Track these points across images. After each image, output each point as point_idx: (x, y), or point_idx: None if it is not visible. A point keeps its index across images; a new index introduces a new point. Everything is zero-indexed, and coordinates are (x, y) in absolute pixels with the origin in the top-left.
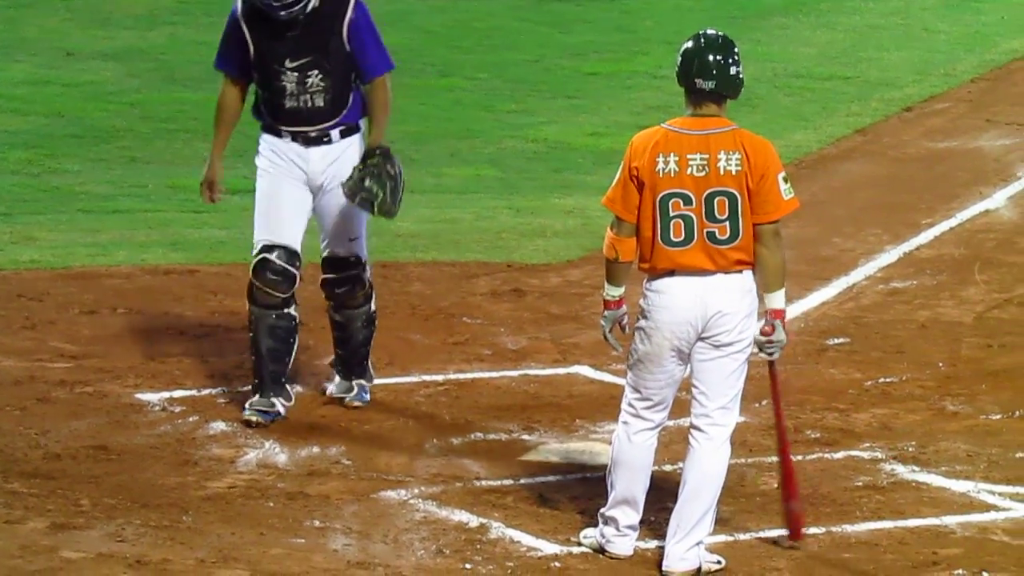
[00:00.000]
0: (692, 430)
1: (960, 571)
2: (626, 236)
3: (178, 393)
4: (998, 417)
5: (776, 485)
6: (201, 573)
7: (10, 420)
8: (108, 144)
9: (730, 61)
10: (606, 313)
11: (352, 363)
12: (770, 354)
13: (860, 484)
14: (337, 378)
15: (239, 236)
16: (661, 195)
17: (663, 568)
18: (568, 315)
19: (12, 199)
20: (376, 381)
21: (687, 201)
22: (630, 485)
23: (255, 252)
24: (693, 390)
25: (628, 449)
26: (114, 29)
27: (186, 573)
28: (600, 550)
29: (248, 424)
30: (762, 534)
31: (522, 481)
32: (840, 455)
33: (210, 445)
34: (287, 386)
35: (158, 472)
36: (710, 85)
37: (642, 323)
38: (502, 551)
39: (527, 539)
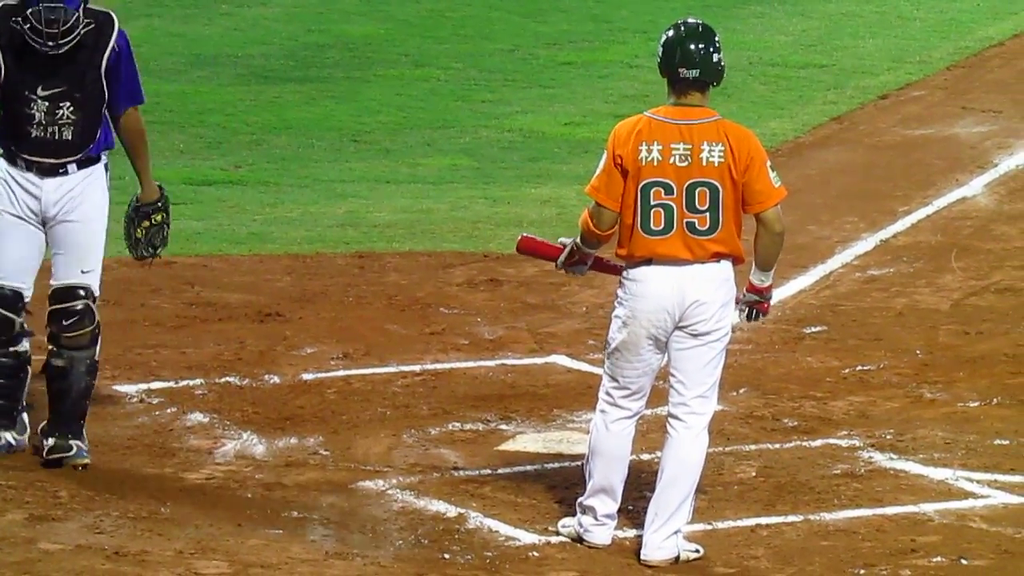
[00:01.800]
0: (670, 419)
1: (938, 558)
2: (606, 228)
3: (155, 384)
4: (975, 404)
5: (754, 474)
6: (180, 564)
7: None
8: None
9: (712, 49)
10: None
11: (71, 419)
12: (751, 320)
13: (838, 472)
14: (51, 440)
15: (215, 227)
16: (643, 183)
17: (641, 557)
18: (545, 304)
19: None
20: (353, 371)
21: (668, 190)
22: (608, 474)
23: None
24: (671, 379)
25: (606, 438)
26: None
27: (164, 564)
28: (578, 539)
29: None
30: (740, 523)
31: (500, 471)
32: (818, 443)
33: (188, 436)
34: (20, 417)
35: (136, 463)
36: (694, 73)
37: (619, 311)
38: (480, 541)
39: (505, 529)
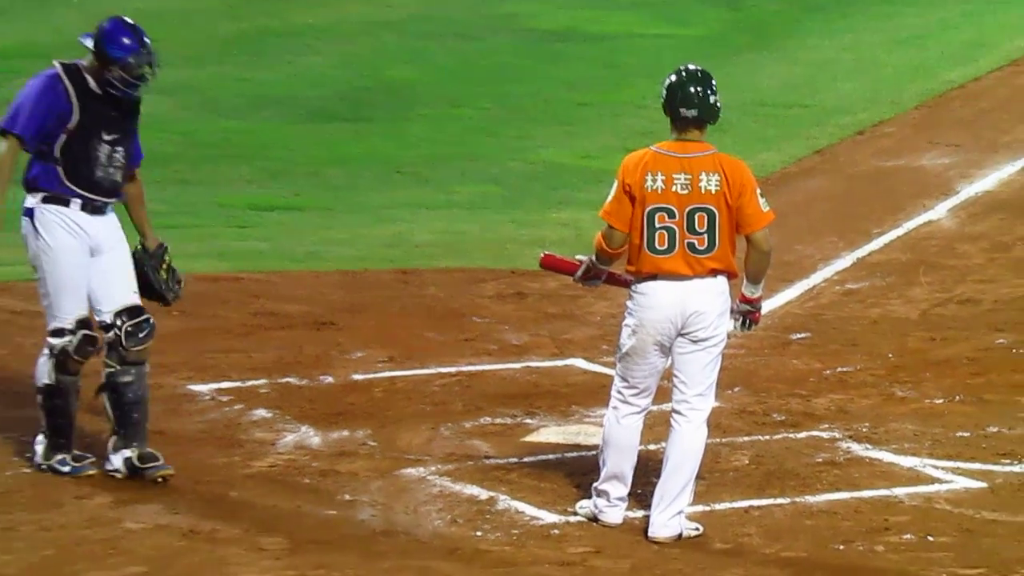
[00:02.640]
0: (673, 414)
1: (908, 535)
2: (617, 247)
3: (225, 384)
4: (941, 401)
5: (747, 462)
6: (245, 541)
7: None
8: (162, 168)
9: (709, 91)
10: (588, 276)
11: (144, 428)
12: (745, 329)
13: (820, 460)
14: (133, 451)
15: (277, 247)
16: (648, 209)
17: (649, 534)
18: (564, 314)
19: None
20: (397, 373)
21: (671, 215)
22: (619, 462)
23: (69, 328)
24: (674, 379)
25: (617, 431)
26: (167, 68)
27: (232, 541)
28: (593, 519)
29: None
30: (735, 505)
31: (525, 459)
32: (802, 435)
33: (253, 430)
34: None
35: (207, 453)
36: (693, 113)
37: (629, 321)
38: (508, 520)
39: (530, 510)
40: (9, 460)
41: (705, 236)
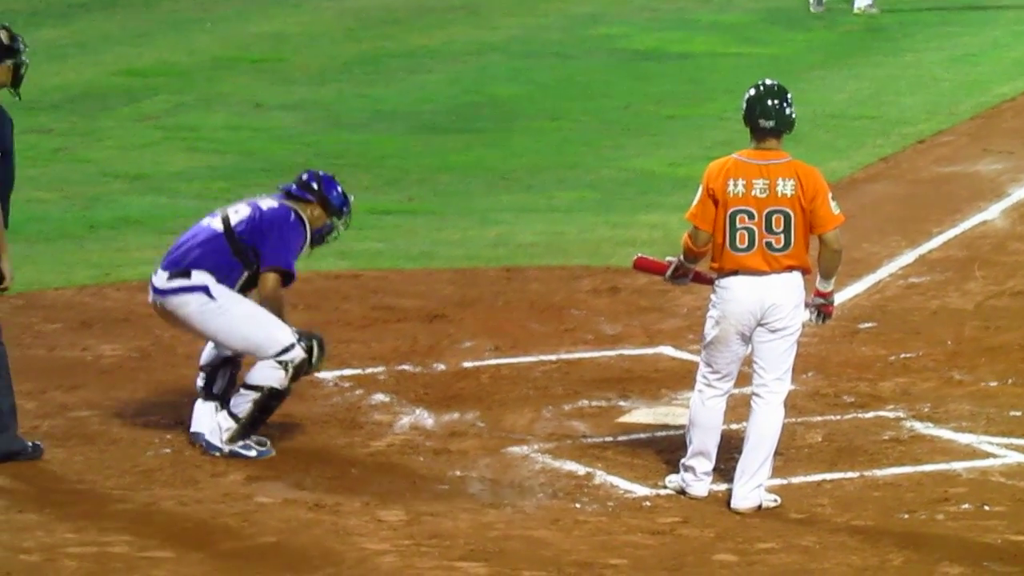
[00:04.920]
0: (753, 396)
1: (966, 505)
2: (702, 246)
3: (347, 372)
4: (995, 384)
5: (820, 440)
6: (366, 513)
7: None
8: (289, 176)
9: (785, 104)
10: (677, 275)
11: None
12: (818, 323)
13: (886, 438)
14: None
15: (393, 247)
16: (730, 211)
17: (731, 505)
18: (654, 307)
19: None
20: (503, 361)
21: (750, 216)
22: (704, 440)
23: (294, 341)
24: (754, 365)
25: (702, 411)
26: (293, 85)
27: (354, 513)
28: (681, 492)
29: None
30: (809, 478)
31: (619, 438)
32: (870, 415)
33: (372, 413)
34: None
35: (331, 434)
36: (770, 124)
37: (713, 313)
38: (604, 493)
39: (624, 484)
40: (150, 442)
41: (782, 236)
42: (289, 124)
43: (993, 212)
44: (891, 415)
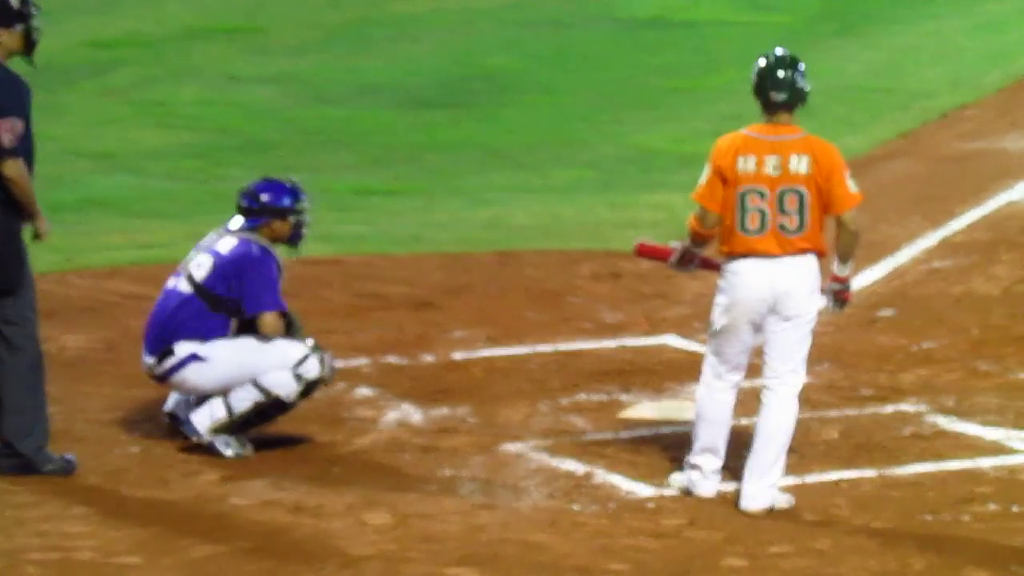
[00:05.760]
0: (764, 389)
1: (993, 506)
2: (710, 228)
3: None
4: (1023, 375)
5: (836, 435)
6: (350, 516)
7: None
8: (266, 154)
9: (797, 75)
10: (683, 262)
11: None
12: (836, 309)
13: (907, 433)
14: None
15: (378, 231)
16: (740, 190)
17: (740, 506)
18: (658, 294)
19: (185, 202)
20: (496, 352)
21: (762, 196)
22: (712, 436)
23: (317, 357)
24: (765, 355)
25: (710, 405)
26: (270, 57)
27: (337, 516)
28: (687, 492)
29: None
30: (825, 477)
31: (620, 434)
32: (889, 409)
33: (356, 407)
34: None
35: (312, 431)
36: (782, 97)
37: (721, 299)
38: (604, 494)
39: (626, 483)
40: (118, 440)
41: (795, 216)
42: (266, 98)
43: (1021, 191)
44: (912, 409)
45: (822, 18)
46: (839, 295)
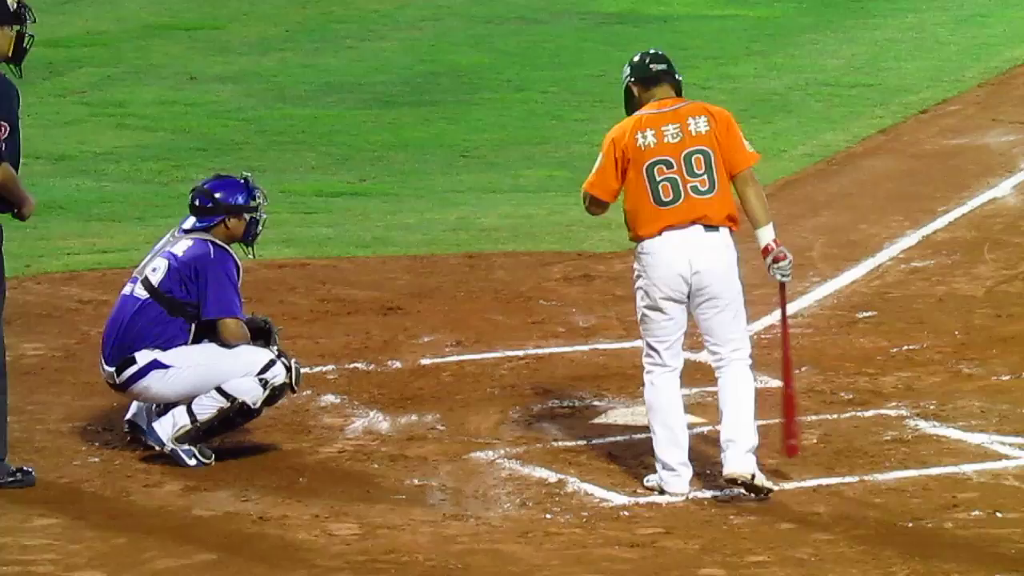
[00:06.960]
0: (716, 371)
1: (977, 512)
2: (598, 213)
3: None
4: (1007, 378)
5: (815, 440)
6: (316, 527)
7: None
8: (228, 156)
9: (671, 61)
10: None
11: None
12: (784, 276)
13: (888, 438)
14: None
15: (344, 233)
16: (646, 164)
17: (724, 474)
18: (631, 296)
19: (145, 205)
20: (465, 357)
21: (668, 166)
22: (670, 424)
23: (283, 363)
24: (705, 342)
25: (657, 393)
26: (231, 55)
27: (303, 527)
28: (660, 491)
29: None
30: (804, 483)
31: (594, 441)
32: (870, 413)
33: (321, 415)
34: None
35: (277, 440)
36: (662, 66)
37: (640, 283)
38: (578, 503)
39: (599, 491)
40: (77, 450)
41: (705, 177)
42: (227, 98)
43: (1004, 188)
44: (893, 413)
45: (799, 12)
46: (776, 260)
